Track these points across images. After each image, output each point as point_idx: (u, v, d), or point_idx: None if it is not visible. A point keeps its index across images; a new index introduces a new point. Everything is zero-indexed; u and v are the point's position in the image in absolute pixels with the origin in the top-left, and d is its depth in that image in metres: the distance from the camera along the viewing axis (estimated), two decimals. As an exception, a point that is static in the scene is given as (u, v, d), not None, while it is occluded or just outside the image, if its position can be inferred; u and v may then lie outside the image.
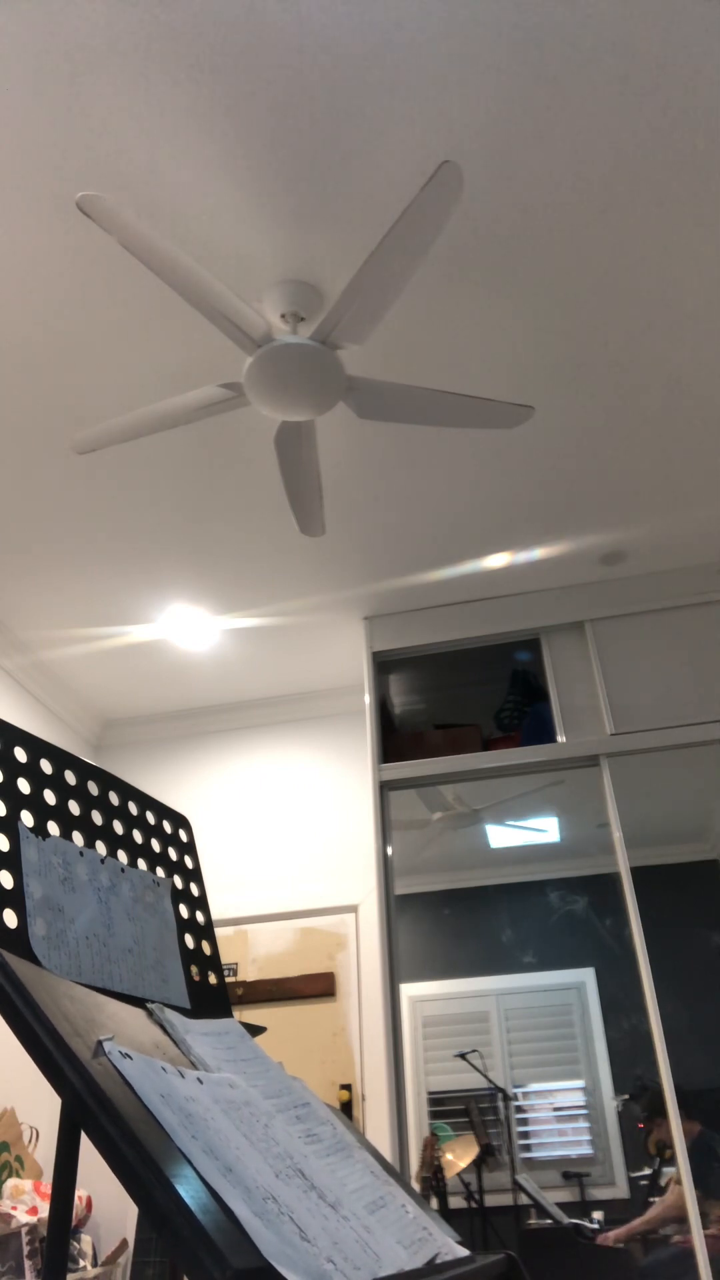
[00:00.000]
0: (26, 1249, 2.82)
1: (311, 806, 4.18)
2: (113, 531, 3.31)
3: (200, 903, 1.34)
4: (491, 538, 3.43)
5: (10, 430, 2.83)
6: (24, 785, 1.08)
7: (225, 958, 3.95)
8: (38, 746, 1.13)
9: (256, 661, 4.16)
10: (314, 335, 2.17)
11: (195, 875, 1.36)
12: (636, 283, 2.46)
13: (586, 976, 3.41)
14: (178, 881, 1.31)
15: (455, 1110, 3.30)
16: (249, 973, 3.89)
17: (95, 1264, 3.27)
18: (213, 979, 1.29)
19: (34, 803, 1.08)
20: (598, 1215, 3.01)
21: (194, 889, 1.34)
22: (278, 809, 4.22)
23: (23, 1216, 2.89)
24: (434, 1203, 3.07)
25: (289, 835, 4.14)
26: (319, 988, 3.79)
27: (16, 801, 1.05)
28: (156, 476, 3.06)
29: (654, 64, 1.97)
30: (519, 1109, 3.27)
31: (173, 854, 1.33)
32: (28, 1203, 3.04)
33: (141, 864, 1.24)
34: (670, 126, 2.09)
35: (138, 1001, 1.06)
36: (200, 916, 1.33)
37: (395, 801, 3.50)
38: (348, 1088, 3.57)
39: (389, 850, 3.36)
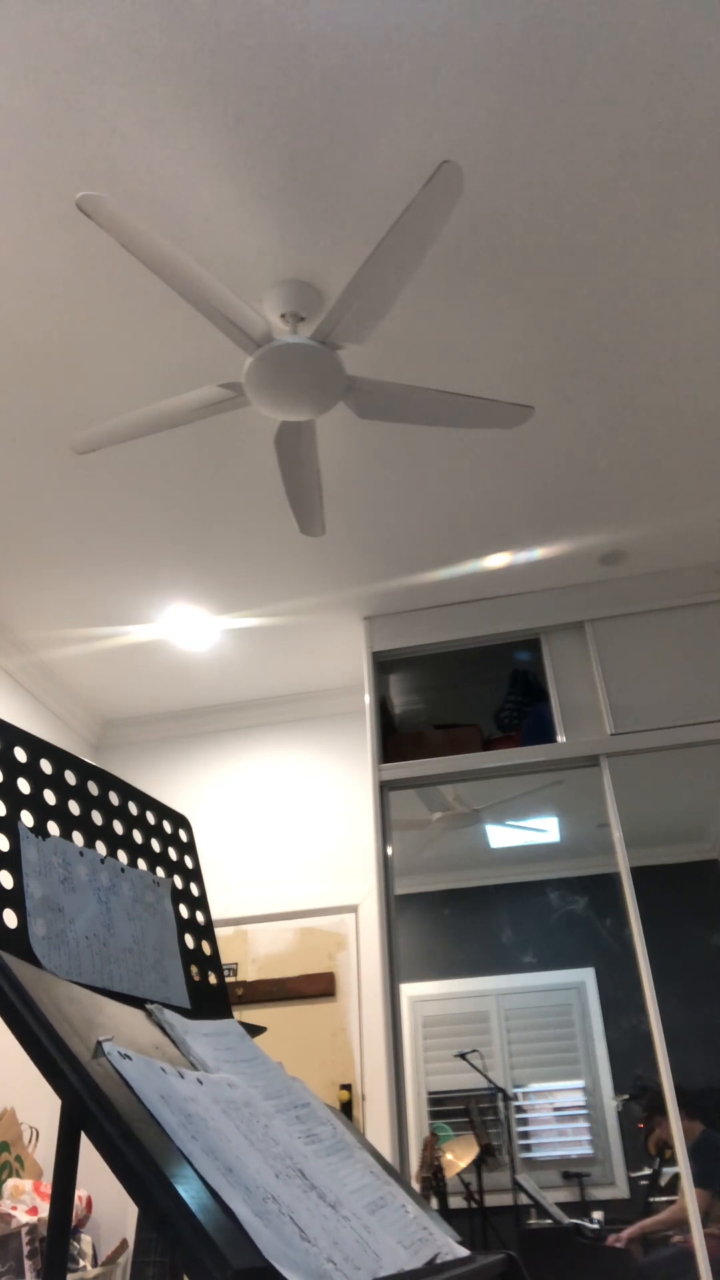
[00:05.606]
0: (26, 1249, 2.82)
1: (311, 806, 4.18)
2: (113, 531, 3.31)
3: (200, 903, 1.34)
4: (491, 538, 3.43)
5: (10, 430, 2.83)
6: (24, 785, 1.08)
7: (225, 958, 3.95)
8: (38, 746, 1.13)
9: (256, 661, 4.16)
10: (314, 335, 2.17)
11: (195, 875, 1.36)
12: (636, 282, 2.46)
13: (586, 976, 3.40)
14: (178, 881, 1.30)
15: (455, 1110, 3.30)
16: (249, 973, 3.89)
17: (95, 1264, 3.27)
18: (213, 979, 1.28)
19: (34, 803, 1.08)
20: (598, 1215, 3.01)
21: (194, 889, 1.34)
22: (278, 809, 4.22)
23: (23, 1216, 2.89)
24: (434, 1203, 3.07)
25: (289, 835, 4.14)
26: (319, 988, 3.78)
27: (16, 801, 1.05)
28: (156, 477, 3.06)
29: (653, 64, 1.97)
30: (519, 1109, 3.27)
31: (173, 854, 1.33)
32: (28, 1203, 3.04)
33: (141, 864, 1.24)
34: (670, 126, 2.09)
35: (137, 1002, 1.06)
36: (200, 916, 1.32)
37: (395, 801, 3.50)
38: (348, 1088, 3.57)
39: (389, 850, 3.36)
